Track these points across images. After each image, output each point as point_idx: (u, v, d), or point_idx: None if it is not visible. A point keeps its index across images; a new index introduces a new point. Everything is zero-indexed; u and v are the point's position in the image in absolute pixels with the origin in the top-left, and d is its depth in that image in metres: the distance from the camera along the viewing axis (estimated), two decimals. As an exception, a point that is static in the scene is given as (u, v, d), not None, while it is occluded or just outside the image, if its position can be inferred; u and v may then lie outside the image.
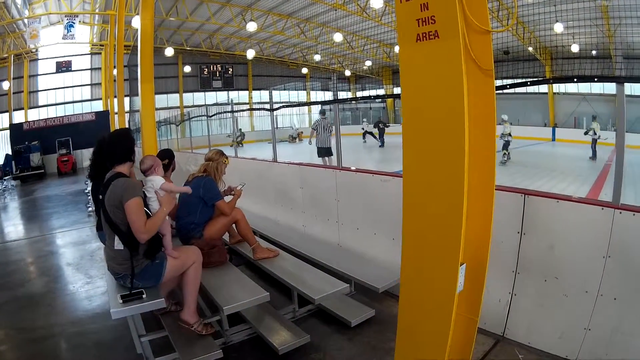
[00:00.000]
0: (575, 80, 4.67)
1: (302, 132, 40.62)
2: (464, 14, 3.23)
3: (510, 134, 22.00)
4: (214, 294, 4.90)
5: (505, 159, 20.79)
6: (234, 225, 6.26)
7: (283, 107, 10.11)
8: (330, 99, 7.41)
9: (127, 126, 25.74)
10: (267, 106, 9.53)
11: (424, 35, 3.28)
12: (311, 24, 34.83)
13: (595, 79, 4.52)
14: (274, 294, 5.67)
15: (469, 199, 3.38)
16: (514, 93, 41.88)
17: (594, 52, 31.05)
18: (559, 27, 26.66)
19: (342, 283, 5.14)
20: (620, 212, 4.09)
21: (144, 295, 4.27)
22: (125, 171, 4.43)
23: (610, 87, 36.42)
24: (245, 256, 6.29)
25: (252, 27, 28.30)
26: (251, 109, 39.52)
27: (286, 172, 8.86)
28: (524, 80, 4.74)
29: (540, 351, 4.54)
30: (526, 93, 41.88)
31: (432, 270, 3.46)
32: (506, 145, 21.16)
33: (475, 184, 3.43)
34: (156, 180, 4.71)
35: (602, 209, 4.20)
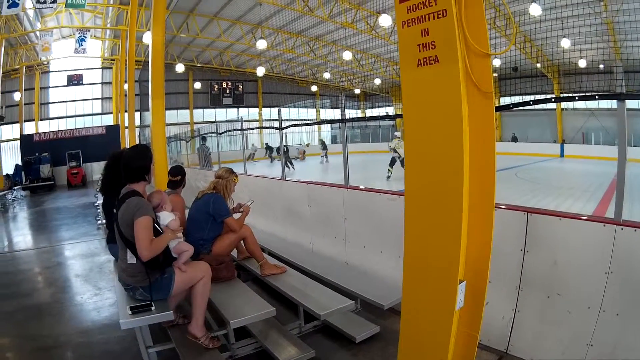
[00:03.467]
0: (577, 99, 4.73)
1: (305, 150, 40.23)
2: (464, 37, 3.31)
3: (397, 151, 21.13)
4: (221, 309, 4.95)
5: (389, 174, 20.70)
6: (242, 241, 6.32)
7: (291, 126, 10.18)
8: (339, 118, 7.45)
9: (138, 141, 25.89)
10: (277, 124, 9.61)
11: (425, 60, 3.38)
12: (321, 42, 35.21)
13: (597, 97, 4.56)
14: (281, 310, 5.72)
15: (469, 217, 3.45)
16: (523, 110, 41.95)
17: (601, 66, 31.04)
18: (566, 43, 26.66)
19: (347, 300, 5.18)
20: (622, 229, 4.13)
21: (153, 307, 4.33)
22: (140, 189, 4.51)
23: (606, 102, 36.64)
24: (253, 272, 6.34)
25: (262, 45, 28.49)
26: (261, 127, 39.62)
27: (294, 190, 8.94)
28: (527, 100, 4.79)
29: (543, 366, 4.59)
30: (535, 109, 42.16)
31: (432, 287, 3.52)
32: (392, 162, 20.90)
33: (475, 202, 3.48)
34: (163, 217, 4.82)
35: (604, 225, 4.23)
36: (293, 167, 30.72)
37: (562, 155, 37.96)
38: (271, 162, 35.11)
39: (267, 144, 38.67)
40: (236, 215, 6.33)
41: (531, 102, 4.74)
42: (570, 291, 4.46)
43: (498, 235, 4.38)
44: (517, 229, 4.73)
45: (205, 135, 17.56)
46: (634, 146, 34.42)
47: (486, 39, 3.38)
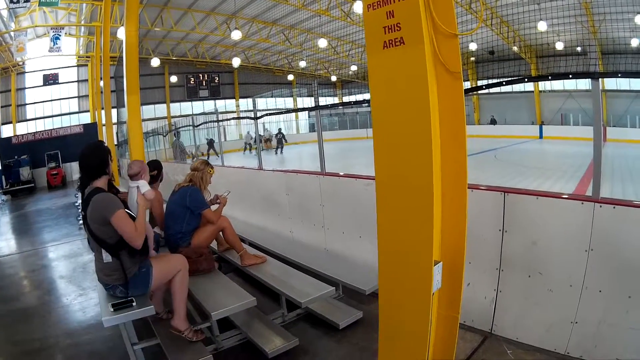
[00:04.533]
0: (549, 78, 4.76)
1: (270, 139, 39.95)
2: (432, 18, 3.30)
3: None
4: (202, 301, 4.95)
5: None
6: (221, 233, 6.31)
7: (266, 115, 10.21)
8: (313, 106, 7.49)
9: (116, 138, 25.73)
10: (253, 114, 9.60)
11: (390, 42, 3.35)
12: (296, 31, 35.07)
13: (570, 76, 4.60)
14: (263, 300, 5.80)
15: (443, 198, 3.48)
16: (501, 92, 42.34)
17: (578, 48, 31.40)
18: (542, 26, 26.88)
19: (327, 286, 5.21)
20: (601, 206, 4.16)
21: (134, 303, 4.32)
22: (102, 185, 4.44)
23: (585, 83, 37.01)
24: (234, 263, 6.34)
25: (236, 35, 28.36)
26: (237, 118, 39.27)
27: (272, 179, 8.92)
28: (500, 80, 4.81)
29: (528, 346, 4.59)
30: (513, 92, 42.59)
31: (407, 270, 3.50)
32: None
33: (447, 183, 3.50)
34: (142, 185, 4.95)
35: (582, 203, 4.27)
36: (282, 152, 30.82)
37: (541, 136, 38.62)
38: (244, 152, 34.99)
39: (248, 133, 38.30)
40: (214, 207, 6.32)
41: (504, 83, 4.76)
42: (551, 270, 4.50)
43: (476, 217, 4.43)
44: (495, 209, 4.75)
45: (179, 130, 17.56)
46: (614, 126, 35.31)
47: (454, 20, 3.36)
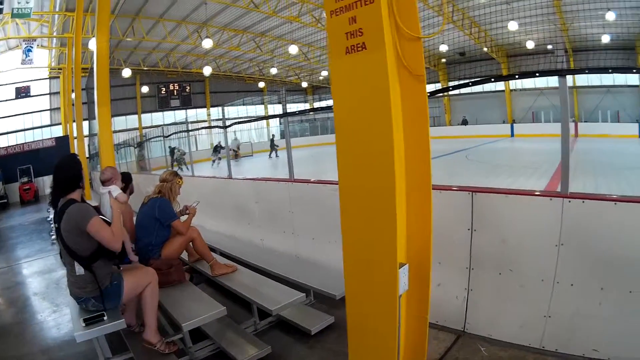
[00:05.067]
0: (517, 77, 4.80)
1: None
2: (395, 23, 3.32)
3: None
4: (173, 312, 4.91)
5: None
6: (191, 243, 6.29)
7: (235, 123, 10.19)
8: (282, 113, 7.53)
9: (87, 151, 25.52)
10: (224, 123, 9.60)
11: (353, 47, 3.37)
12: (267, 38, 35.08)
13: (537, 74, 4.64)
14: (235, 309, 5.79)
15: (407, 201, 3.48)
16: (472, 93, 43.01)
17: (549, 46, 31.98)
18: (513, 25, 27.26)
19: (298, 293, 5.20)
20: (570, 201, 4.23)
21: (105, 317, 4.28)
22: (76, 197, 4.42)
23: (568, 79, 37.33)
24: (205, 274, 6.30)
25: (207, 43, 28.18)
26: (206, 127, 39.19)
27: (242, 188, 8.94)
28: (467, 81, 4.85)
29: (502, 342, 4.62)
30: (484, 92, 43.02)
31: (373, 274, 3.51)
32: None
33: (411, 186, 3.50)
34: (114, 189, 5.08)
35: (551, 199, 4.33)
36: (277, 156, 30.76)
37: (512, 135, 39.10)
38: (213, 163, 33.85)
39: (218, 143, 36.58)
40: (183, 218, 6.30)
41: (470, 83, 4.79)
42: (521, 266, 4.55)
43: (445, 217, 4.48)
44: (463, 209, 4.78)
45: (142, 142, 17.50)
46: (585, 122, 36.55)
47: (417, 23, 3.39)
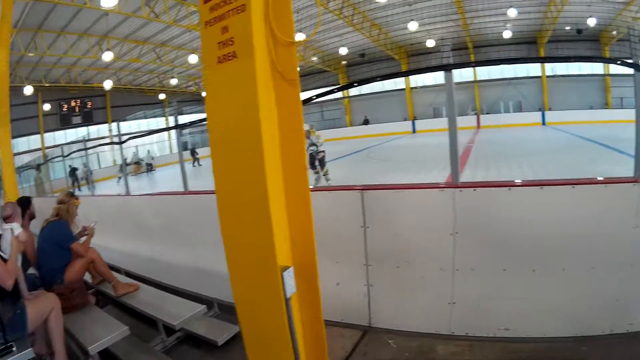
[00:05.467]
0: (403, 75, 4.95)
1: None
2: (271, 29, 3.35)
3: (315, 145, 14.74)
4: (79, 337, 4.83)
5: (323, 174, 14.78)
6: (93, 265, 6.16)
7: (130, 138, 10.07)
8: (182, 124, 7.50)
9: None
10: (120, 138, 9.47)
11: (224, 57, 3.39)
12: (167, 48, 34.72)
13: (426, 71, 4.80)
14: (143, 327, 5.72)
15: (287, 205, 3.53)
16: (373, 92, 44.91)
17: (449, 44, 33.53)
18: (413, 26, 28.15)
19: (199, 305, 5.21)
20: (461, 190, 4.42)
21: (14, 348, 4.14)
22: None
23: (468, 75, 40.99)
24: (110, 295, 6.17)
25: (108, 56, 27.88)
26: (100, 145, 37.17)
27: (140, 204, 8.84)
28: (351, 82, 4.96)
29: (410, 332, 4.75)
30: (385, 91, 44.79)
31: (257, 280, 3.56)
32: (313, 160, 14.57)
33: (289, 189, 3.54)
34: (14, 227, 4.91)
35: (442, 190, 4.52)
36: (199, 164, 30.62)
37: (414, 131, 40.92)
38: (73, 187, 31.90)
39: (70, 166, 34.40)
40: (83, 239, 6.15)
41: (355, 84, 4.91)
42: (419, 258, 4.70)
43: (339, 217, 4.67)
44: (355, 207, 4.86)
45: (41, 164, 17.08)
46: (487, 114, 39.77)
47: (291, 28, 3.44)
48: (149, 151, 38.76)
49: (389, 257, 4.84)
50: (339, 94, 47.53)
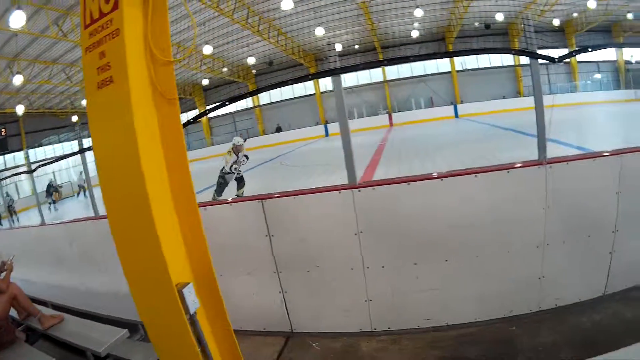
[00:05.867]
0: (289, 82, 5.17)
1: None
2: (150, 50, 3.47)
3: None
4: (7, 376, 4.77)
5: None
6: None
7: (39, 166, 10.05)
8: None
9: None
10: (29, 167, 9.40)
11: (103, 82, 3.45)
12: (76, 67, 34.26)
13: (310, 77, 5.03)
14: (74, 358, 5.71)
15: (180, 222, 3.66)
16: (283, 100, 47.21)
17: (356, 46, 34.89)
18: (320, 31, 28.74)
19: (121, 330, 5.30)
20: (359, 191, 4.62)
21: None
22: None
23: (377, 75, 44.49)
24: (38, 329, 6.18)
25: (18, 80, 27.38)
26: (17, 173, 35.79)
27: (56, 233, 8.82)
28: (243, 93, 5.16)
29: (332, 333, 4.98)
30: (295, 97, 47.04)
31: (156, 299, 3.63)
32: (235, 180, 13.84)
33: (179, 207, 3.66)
34: None
35: (340, 192, 4.71)
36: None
37: (327, 134, 42.36)
38: (50, 205, 30.65)
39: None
40: (3, 275, 6.13)
41: (247, 95, 5.11)
42: (327, 260, 4.91)
43: (243, 228, 4.85)
44: (257, 217, 5.02)
45: None
46: (399, 111, 42.86)
47: (169, 47, 3.56)
48: (81, 172, 38.18)
49: (298, 262, 5.00)
50: (249, 103, 48.93)
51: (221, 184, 13.81)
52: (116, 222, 3.66)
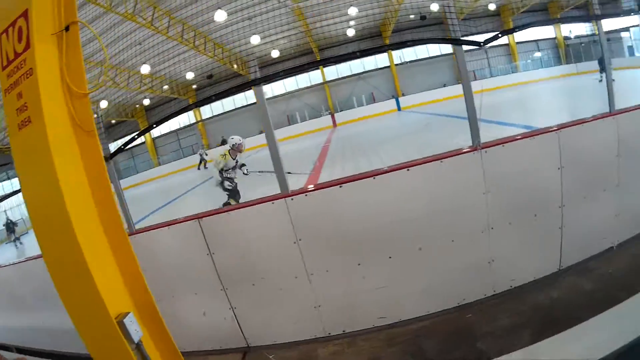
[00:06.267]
0: (213, 98, 5.35)
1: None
2: (67, 85, 3.63)
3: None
4: None
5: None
6: None
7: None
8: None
9: None
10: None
11: (22, 123, 3.57)
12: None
13: (234, 91, 5.21)
14: None
15: (114, 252, 3.77)
16: (225, 112, 48.65)
17: (292, 51, 38.30)
18: (256, 39, 29.14)
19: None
20: (292, 199, 4.85)
21: None
22: None
23: (316, 78, 46.40)
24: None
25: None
26: None
27: (10, 274, 8.54)
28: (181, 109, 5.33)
29: (287, 344, 5.21)
30: (236, 109, 48.19)
31: (100, 332, 3.73)
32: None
33: (111, 237, 3.78)
34: None
35: (273, 203, 4.91)
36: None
37: None
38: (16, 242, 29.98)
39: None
40: None
41: (173, 115, 5.28)
42: (270, 271, 5.10)
43: (184, 249, 5.03)
44: (197, 237, 5.14)
45: None
46: (341, 111, 44.83)
47: (84, 80, 3.69)
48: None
49: (243, 277, 5.15)
50: (192, 119, 49.93)
51: (231, 189, 11.43)
52: (51, 260, 3.74)
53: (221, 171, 10.86)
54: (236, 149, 11.23)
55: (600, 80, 24.67)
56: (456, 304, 5.22)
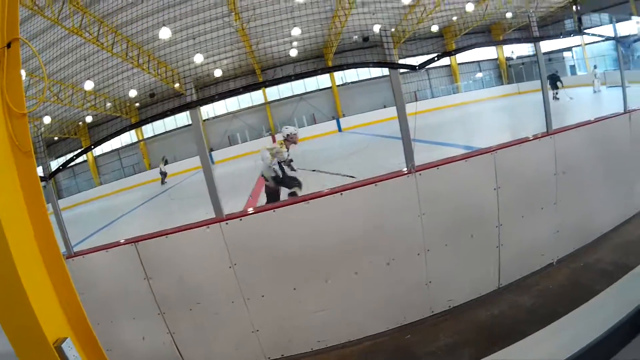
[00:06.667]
0: (153, 119, 5.54)
1: None
2: (7, 105, 3.66)
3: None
4: None
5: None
6: None
7: None
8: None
9: None
10: None
11: None
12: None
13: (169, 112, 5.40)
14: None
15: (51, 277, 3.83)
16: (166, 132, 49.26)
17: (234, 70, 39.84)
18: (199, 58, 29.62)
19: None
20: (227, 223, 5.05)
21: None
22: None
23: (257, 98, 48.21)
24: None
25: None
26: None
27: None
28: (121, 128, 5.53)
29: (228, 368, 5.24)
30: (177, 128, 48.66)
31: (39, 356, 3.63)
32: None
33: (48, 264, 3.83)
34: None
35: (208, 227, 5.08)
36: None
37: (212, 162, 42.29)
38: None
39: None
40: None
41: (113, 135, 5.46)
42: (207, 296, 5.24)
43: (122, 273, 5.18)
44: (133, 261, 5.21)
45: None
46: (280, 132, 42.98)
47: (22, 99, 3.74)
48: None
49: (179, 301, 5.25)
50: (134, 138, 50.03)
51: (288, 179, 11.01)
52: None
53: (279, 163, 10.54)
54: (290, 140, 11.01)
55: (555, 98, 26.90)
56: (396, 325, 5.43)
